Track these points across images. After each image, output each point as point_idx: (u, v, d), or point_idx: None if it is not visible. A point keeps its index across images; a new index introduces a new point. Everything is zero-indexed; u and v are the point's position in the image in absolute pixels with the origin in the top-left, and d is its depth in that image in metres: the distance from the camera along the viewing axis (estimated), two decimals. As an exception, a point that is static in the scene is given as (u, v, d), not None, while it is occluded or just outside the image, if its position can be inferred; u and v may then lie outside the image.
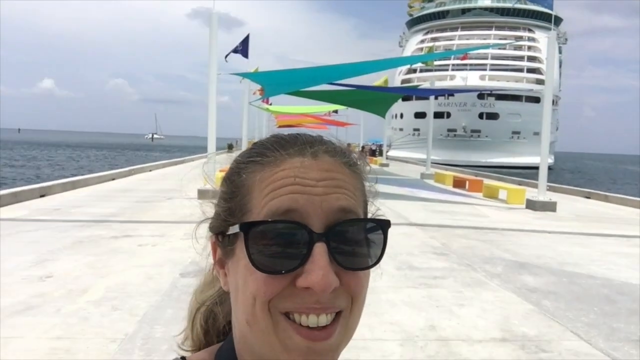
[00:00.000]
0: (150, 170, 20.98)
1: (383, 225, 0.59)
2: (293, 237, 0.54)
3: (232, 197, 0.61)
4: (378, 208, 0.65)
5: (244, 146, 26.29)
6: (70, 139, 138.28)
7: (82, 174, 17.79)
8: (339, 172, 0.59)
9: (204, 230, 0.67)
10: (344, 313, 0.57)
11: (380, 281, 5.67)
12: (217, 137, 13.48)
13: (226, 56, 14.62)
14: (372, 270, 0.61)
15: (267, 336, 0.55)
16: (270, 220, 0.55)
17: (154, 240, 7.65)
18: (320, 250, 0.53)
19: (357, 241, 0.57)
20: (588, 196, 16.90)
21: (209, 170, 13.09)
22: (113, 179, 16.55)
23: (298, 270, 0.54)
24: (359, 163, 0.63)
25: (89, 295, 4.98)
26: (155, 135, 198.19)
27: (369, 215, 0.63)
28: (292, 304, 0.54)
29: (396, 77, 60.78)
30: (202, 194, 12.63)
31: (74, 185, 13.77)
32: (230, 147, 50.71)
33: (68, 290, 5.11)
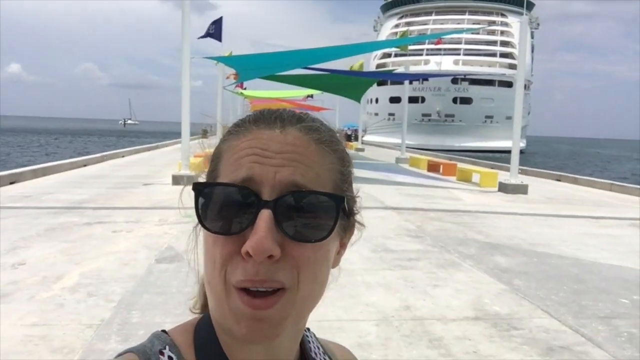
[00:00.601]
0: (123, 156, 20.68)
1: (336, 201, 0.58)
2: (243, 203, 0.56)
3: (210, 164, 0.64)
4: (357, 190, 0.66)
5: (219, 132, 26.03)
6: (39, 125, 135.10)
7: (53, 161, 17.43)
8: (304, 147, 0.59)
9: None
10: (289, 289, 0.56)
11: (357, 264, 5.75)
12: (192, 122, 13.35)
13: (200, 37, 14.43)
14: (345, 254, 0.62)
15: (220, 301, 0.57)
16: (217, 183, 0.59)
17: (129, 227, 7.57)
18: (264, 216, 0.54)
19: (306, 213, 0.56)
20: (558, 179, 17.27)
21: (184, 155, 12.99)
22: (85, 165, 16.27)
23: (247, 235, 0.55)
24: (332, 142, 0.63)
25: (64, 282, 4.93)
26: (129, 121, 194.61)
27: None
28: (239, 274, 0.55)
29: (371, 62, 60.77)
30: (177, 180, 12.54)
31: (44, 172, 13.49)
32: (204, 133, 50.33)
33: (42, 277, 5.04)
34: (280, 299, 0.56)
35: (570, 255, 6.81)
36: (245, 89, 31.13)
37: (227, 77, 25.13)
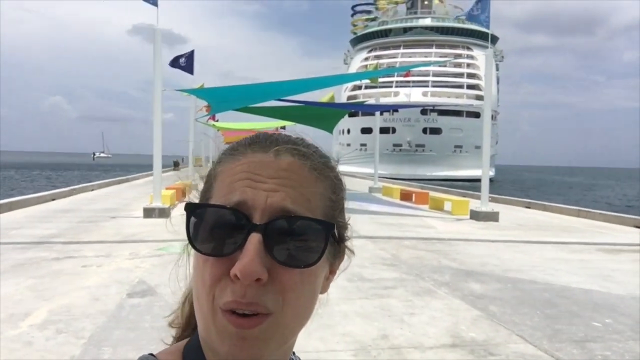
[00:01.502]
0: (92, 190, 20.31)
1: (326, 227, 0.58)
2: (233, 225, 0.56)
3: (204, 184, 0.65)
4: (349, 218, 0.67)
5: (191, 163, 25.92)
6: (6, 159, 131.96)
7: (20, 195, 17.00)
8: (297, 173, 0.60)
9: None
10: (274, 315, 0.56)
11: (333, 294, 5.71)
12: (163, 154, 13.25)
13: (170, 63, 14.46)
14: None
15: (206, 320, 0.58)
16: (209, 204, 0.59)
17: (99, 261, 7.40)
18: (253, 240, 0.55)
19: (295, 238, 0.57)
20: (528, 206, 17.61)
21: (156, 187, 12.83)
22: (53, 199, 15.92)
23: (235, 258, 0.55)
24: (326, 169, 0.64)
25: (32, 318, 4.76)
26: (102, 154, 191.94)
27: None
28: (226, 296, 0.56)
29: (342, 94, 61.66)
30: (148, 212, 12.36)
31: (11, 207, 13.14)
32: (176, 165, 49.77)
33: (9, 314, 4.86)
34: (264, 320, 0.56)
35: (542, 280, 6.91)
36: (217, 120, 31.10)
37: (200, 110, 25.13)
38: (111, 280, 6.29)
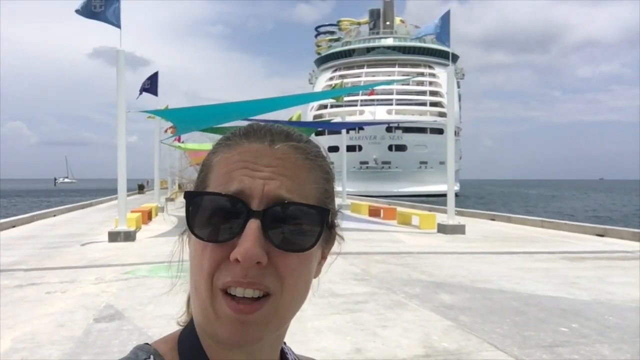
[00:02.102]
0: (54, 215, 19.79)
1: (322, 213, 0.61)
2: (232, 212, 0.58)
3: (199, 175, 0.66)
4: (339, 206, 0.69)
5: (156, 186, 25.53)
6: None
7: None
8: (292, 161, 0.62)
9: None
10: (273, 296, 0.59)
11: (305, 310, 5.69)
12: (127, 177, 13.04)
13: (138, 96, 14.30)
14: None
15: (204, 306, 0.59)
16: (209, 192, 0.61)
17: (63, 287, 7.19)
18: (252, 225, 0.57)
19: (292, 224, 0.59)
20: (493, 218, 17.97)
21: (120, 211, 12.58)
22: (14, 226, 15.44)
23: (235, 243, 0.57)
24: (318, 157, 0.66)
25: (-6, 348, 4.59)
26: (66, 179, 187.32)
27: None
28: (226, 276, 0.57)
29: (308, 113, 61.98)
30: (113, 236, 12.10)
31: (-32, 235, 12.69)
32: (141, 188, 48.94)
33: (-32, 345, 4.67)
34: (264, 304, 0.58)
35: (510, 289, 7.03)
36: (183, 142, 30.82)
37: (165, 131, 24.88)
38: (77, 306, 6.11)
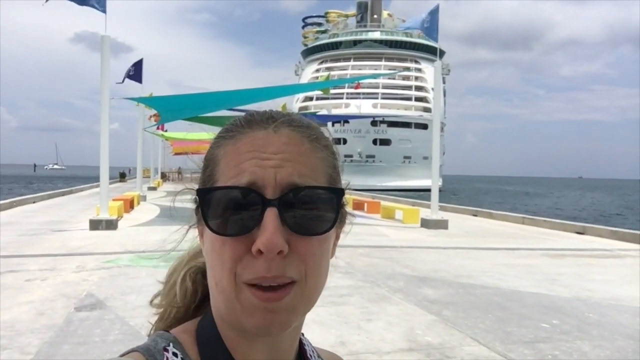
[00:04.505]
0: (34, 202, 19.47)
1: (336, 193, 0.61)
2: (247, 204, 0.58)
3: (204, 170, 0.65)
4: (348, 182, 0.68)
5: (139, 174, 25.28)
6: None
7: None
8: (298, 145, 0.62)
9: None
10: (298, 282, 0.58)
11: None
12: (109, 166, 12.87)
13: (122, 81, 14.09)
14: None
15: (230, 301, 0.59)
16: (223, 186, 0.60)
17: (43, 275, 7.08)
18: (270, 214, 0.56)
19: (309, 208, 0.59)
20: (475, 214, 18.12)
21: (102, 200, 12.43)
22: (-8, 212, 15.16)
23: (254, 235, 0.57)
24: (323, 138, 0.66)
25: (-29, 335, 4.50)
26: (55, 165, 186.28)
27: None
28: (250, 273, 0.57)
29: (294, 105, 61.84)
30: (95, 224, 11.96)
31: (-56, 220, 12.43)
32: (122, 176, 48.41)
33: (-55, 332, 4.58)
34: (290, 290, 0.58)
35: (492, 285, 7.10)
36: (166, 130, 30.53)
37: (149, 119, 24.60)
38: (57, 294, 6.03)
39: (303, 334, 0.73)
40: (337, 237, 0.68)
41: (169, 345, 0.63)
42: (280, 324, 0.58)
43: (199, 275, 0.73)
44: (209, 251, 0.61)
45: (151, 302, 0.75)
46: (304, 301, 0.60)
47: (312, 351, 0.75)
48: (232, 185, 0.59)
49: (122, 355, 0.60)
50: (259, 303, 0.57)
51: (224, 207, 0.58)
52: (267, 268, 0.56)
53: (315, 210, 0.59)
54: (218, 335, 0.64)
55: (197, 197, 0.62)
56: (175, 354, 0.62)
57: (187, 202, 0.68)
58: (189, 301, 0.72)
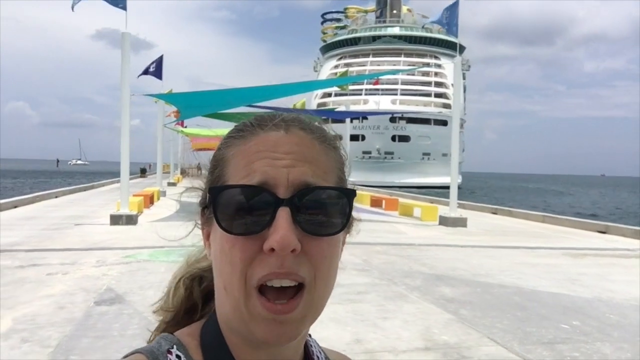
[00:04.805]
0: (57, 197, 19.79)
1: (348, 195, 0.61)
2: (260, 203, 0.57)
3: (213, 170, 0.65)
4: (356, 186, 0.68)
5: (159, 170, 25.54)
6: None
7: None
8: (309, 146, 0.62)
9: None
10: (307, 287, 0.58)
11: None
12: (130, 161, 13.01)
13: (139, 75, 14.24)
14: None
15: (238, 305, 0.58)
16: (236, 185, 0.59)
17: (64, 269, 7.19)
18: (282, 213, 0.56)
19: (320, 209, 0.59)
20: (495, 212, 17.93)
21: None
22: (16, 207, 15.44)
23: (265, 235, 0.57)
24: (333, 140, 0.66)
25: (-6, 328, 4.59)
26: (79, 161, 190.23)
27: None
28: (261, 270, 0.57)
29: (312, 101, 61.81)
30: (115, 219, 12.11)
31: (-30, 214, 12.70)
32: (143, 172, 48.94)
33: (-31, 324, 4.68)
34: (300, 300, 0.58)
35: (511, 284, 7.02)
36: (185, 127, 30.79)
37: (168, 115, 24.81)
38: (77, 288, 6.12)
39: (310, 335, 0.73)
40: (344, 243, 0.68)
41: (172, 348, 0.63)
42: (288, 336, 0.58)
43: (193, 282, 0.74)
44: (218, 253, 0.61)
45: (154, 311, 0.76)
46: (312, 309, 0.60)
47: (320, 352, 0.75)
48: (244, 185, 0.58)
49: (125, 357, 0.60)
50: (268, 314, 0.57)
51: (236, 206, 0.58)
52: (279, 264, 0.56)
53: (326, 211, 0.59)
54: (222, 339, 0.64)
55: (206, 196, 0.62)
56: (178, 357, 0.62)
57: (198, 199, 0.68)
58: (178, 307, 0.73)
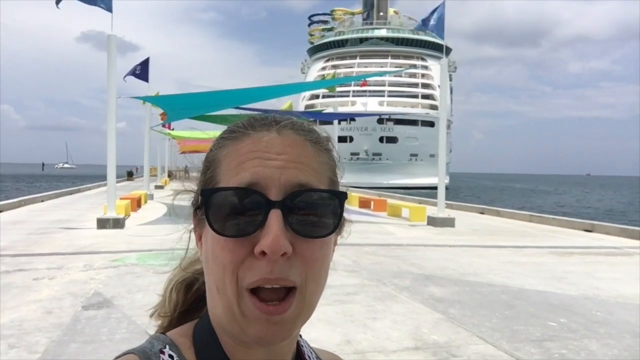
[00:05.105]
0: (42, 201, 19.58)
1: (339, 197, 0.61)
2: (251, 205, 0.57)
3: (205, 171, 0.65)
4: (348, 188, 0.68)
5: (146, 173, 25.35)
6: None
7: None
8: (302, 147, 0.62)
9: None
10: (299, 289, 0.58)
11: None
12: (116, 164, 12.91)
13: (125, 76, 14.14)
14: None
15: (230, 306, 0.58)
16: (227, 187, 0.59)
17: (51, 273, 7.12)
18: (274, 216, 0.56)
19: (312, 211, 0.59)
20: (482, 212, 18.05)
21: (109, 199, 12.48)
22: (1, 211, 15.25)
23: (257, 237, 0.57)
24: (325, 142, 0.66)
25: (-20, 334, 4.53)
26: (66, 164, 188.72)
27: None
28: (252, 276, 0.57)
29: (300, 103, 61.81)
30: (102, 223, 12.01)
31: (-46, 219, 12.52)
32: (130, 175, 48.59)
33: (-46, 330, 4.61)
34: (292, 301, 0.58)
35: (499, 283, 7.07)
36: (172, 129, 30.62)
37: (158, 117, 24.65)
38: (65, 293, 6.06)
39: (301, 336, 0.73)
40: (335, 244, 0.68)
41: (165, 348, 0.63)
42: (281, 336, 0.59)
43: (183, 286, 0.74)
44: (210, 255, 0.61)
45: (151, 315, 0.76)
46: (304, 310, 0.60)
47: (311, 352, 0.75)
48: (237, 186, 0.58)
49: (117, 357, 0.60)
50: (261, 315, 0.57)
51: (228, 208, 0.58)
52: (269, 269, 0.56)
53: (318, 213, 0.59)
54: (215, 339, 0.64)
55: (198, 198, 0.62)
56: (171, 357, 0.62)
57: (190, 201, 0.68)
58: (173, 312, 0.74)
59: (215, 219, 0.58)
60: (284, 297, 0.58)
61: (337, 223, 0.60)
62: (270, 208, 0.57)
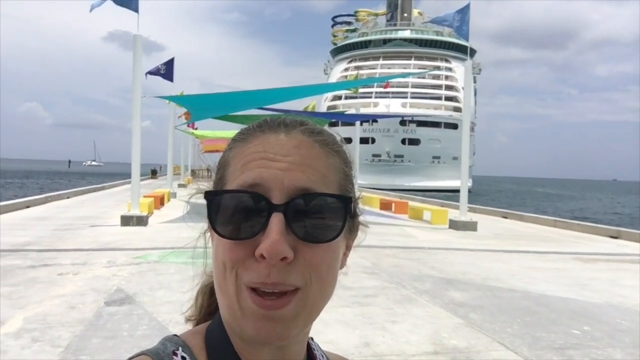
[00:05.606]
0: (68, 197, 19.96)
1: (345, 201, 0.60)
2: (254, 208, 0.57)
3: (217, 173, 0.65)
4: (360, 192, 0.68)
5: (169, 172, 25.66)
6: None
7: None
8: (309, 149, 0.61)
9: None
10: (302, 289, 0.58)
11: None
12: (140, 162, 13.09)
13: (147, 72, 14.36)
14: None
15: (231, 302, 0.58)
16: (228, 190, 0.60)
17: (75, 269, 7.25)
18: (276, 219, 0.56)
19: (316, 215, 0.58)
20: (505, 216, 17.83)
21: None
22: (28, 207, 15.59)
23: (258, 239, 0.56)
24: (335, 144, 0.65)
25: (6, 327, 4.63)
26: (94, 162, 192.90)
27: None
28: (251, 276, 0.56)
29: (322, 104, 61.81)
30: (126, 220, 12.18)
31: (-17, 214, 12.84)
32: (154, 173, 49.21)
33: (-19, 323, 4.73)
34: (292, 298, 0.57)
35: (521, 288, 6.98)
36: (196, 128, 30.94)
37: (179, 117, 24.94)
38: (88, 289, 6.16)
39: (312, 338, 0.73)
40: (348, 249, 0.67)
41: (177, 349, 0.63)
42: (278, 334, 0.57)
43: (208, 289, 0.74)
44: (214, 255, 0.61)
45: (186, 320, 0.77)
46: (306, 310, 0.59)
47: (322, 355, 0.74)
48: (238, 190, 0.58)
49: (131, 358, 0.60)
50: (257, 309, 0.56)
51: (231, 211, 0.58)
52: (267, 273, 0.56)
53: (322, 217, 0.58)
54: (227, 339, 0.64)
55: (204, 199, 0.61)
56: (184, 358, 0.62)
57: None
58: (199, 315, 0.74)
59: (218, 220, 0.58)
60: (284, 295, 0.57)
61: (340, 228, 0.59)
62: (272, 211, 0.56)
